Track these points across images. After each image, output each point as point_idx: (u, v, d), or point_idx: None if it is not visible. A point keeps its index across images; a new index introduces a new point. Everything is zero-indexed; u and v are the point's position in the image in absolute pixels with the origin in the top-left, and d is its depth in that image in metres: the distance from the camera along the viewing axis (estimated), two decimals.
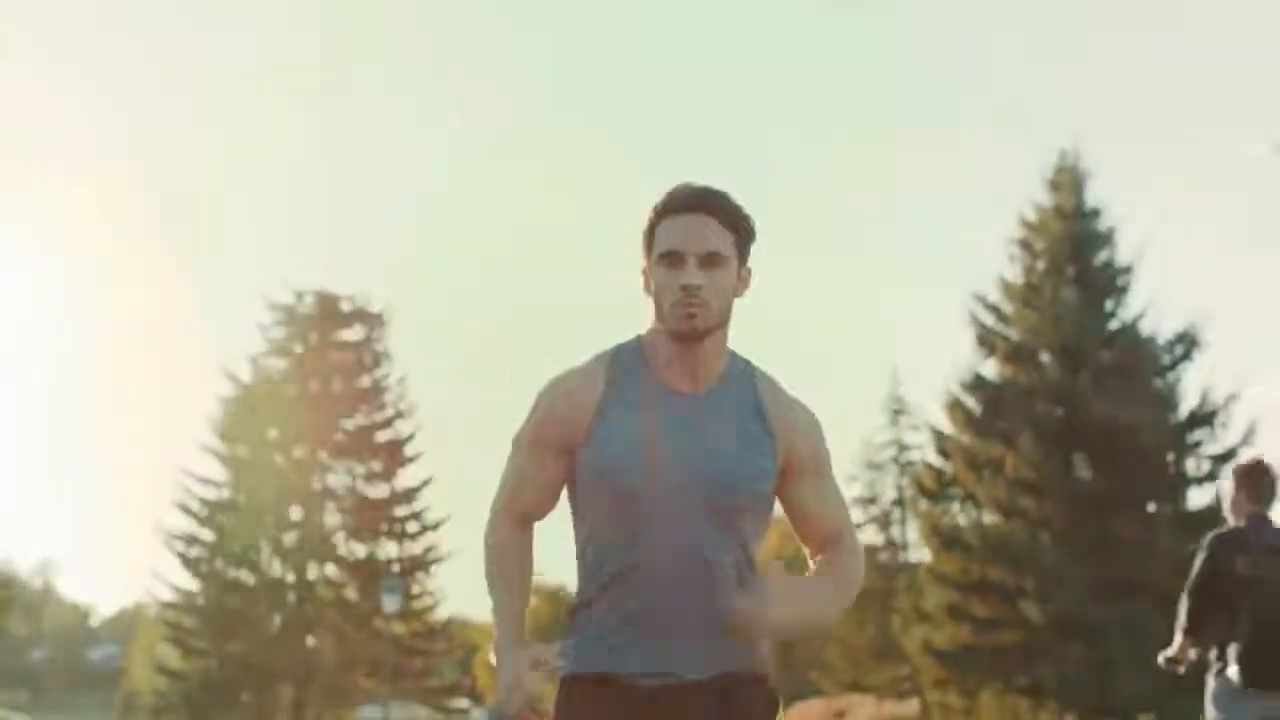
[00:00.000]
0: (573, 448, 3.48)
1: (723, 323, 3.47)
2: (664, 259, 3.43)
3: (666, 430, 3.43)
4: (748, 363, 3.58)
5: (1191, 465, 33.52)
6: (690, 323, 3.40)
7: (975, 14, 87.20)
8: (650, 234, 3.49)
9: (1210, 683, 7.02)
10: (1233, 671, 6.82)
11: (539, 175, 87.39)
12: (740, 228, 3.48)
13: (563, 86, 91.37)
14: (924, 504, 35.88)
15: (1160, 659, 7.30)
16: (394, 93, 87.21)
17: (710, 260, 3.41)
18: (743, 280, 3.51)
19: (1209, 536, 7.05)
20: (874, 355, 75.53)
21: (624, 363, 3.52)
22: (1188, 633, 7.01)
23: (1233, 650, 6.84)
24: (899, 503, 45.33)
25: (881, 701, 44.09)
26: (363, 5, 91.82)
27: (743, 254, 3.50)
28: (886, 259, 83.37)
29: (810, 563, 3.61)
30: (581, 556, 3.52)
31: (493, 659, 3.50)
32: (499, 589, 3.57)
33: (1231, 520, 7.14)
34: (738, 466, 3.42)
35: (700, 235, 3.42)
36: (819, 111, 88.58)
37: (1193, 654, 7.19)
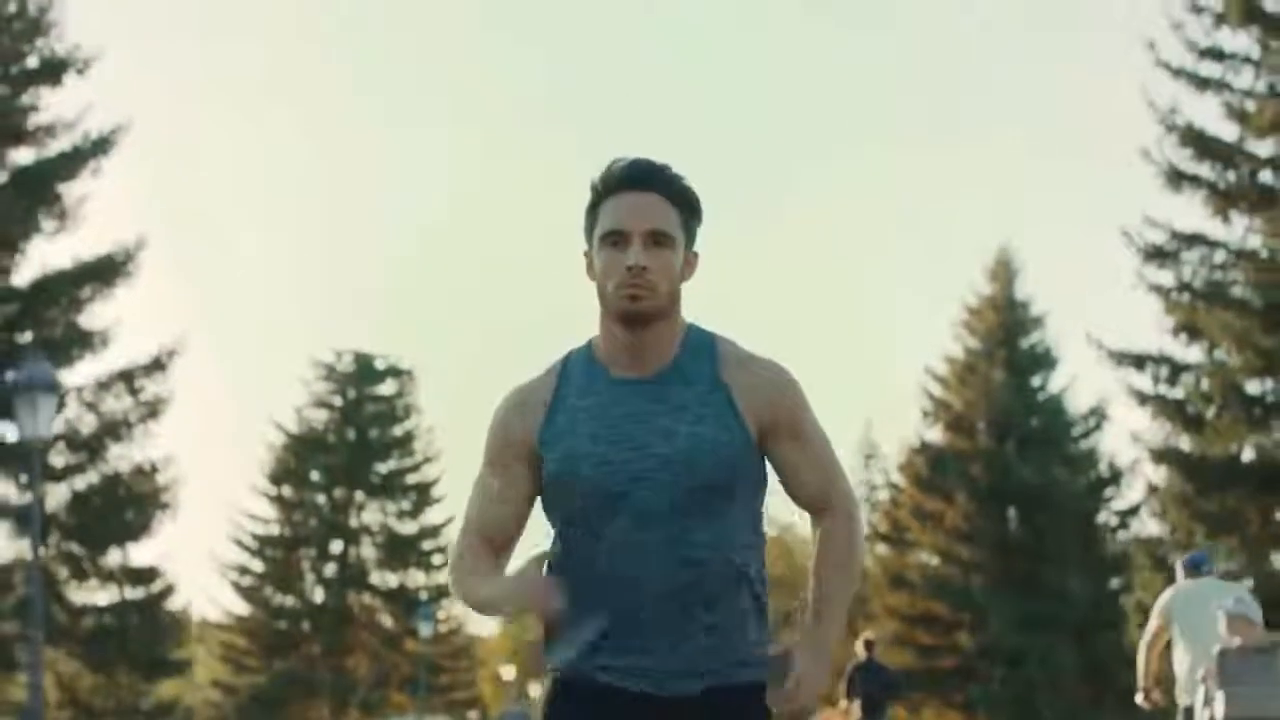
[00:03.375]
0: (529, 455, 3.45)
1: (670, 305, 3.41)
2: (607, 239, 3.38)
3: (617, 420, 3.40)
4: (711, 335, 3.50)
5: (1102, 518, 42.66)
6: (635, 305, 3.35)
7: (973, 26, 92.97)
8: (592, 213, 3.45)
9: None
10: None
11: (559, 235, 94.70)
12: (687, 207, 3.42)
13: (561, 111, 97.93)
14: (880, 547, 45.10)
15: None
16: (424, 167, 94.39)
17: (656, 239, 3.36)
18: (689, 264, 3.46)
19: None
20: (856, 391, 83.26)
21: (573, 363, 3.49)
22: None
23: None
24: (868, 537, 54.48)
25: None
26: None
27: (689, 235, 3.45)
28: (880, 277, 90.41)
29: (811, 530, 3.53)
30: (553, 559, 3.46)
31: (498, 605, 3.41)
32: (473, 580, 3.48)
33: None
34: (695, 443, 3.35)
35: (645, 214, 3.37)
36: (816, 123, 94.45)
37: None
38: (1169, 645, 10.57)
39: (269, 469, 49.24)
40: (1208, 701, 10.01)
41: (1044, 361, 43.30)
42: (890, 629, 42.98)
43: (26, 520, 26.43)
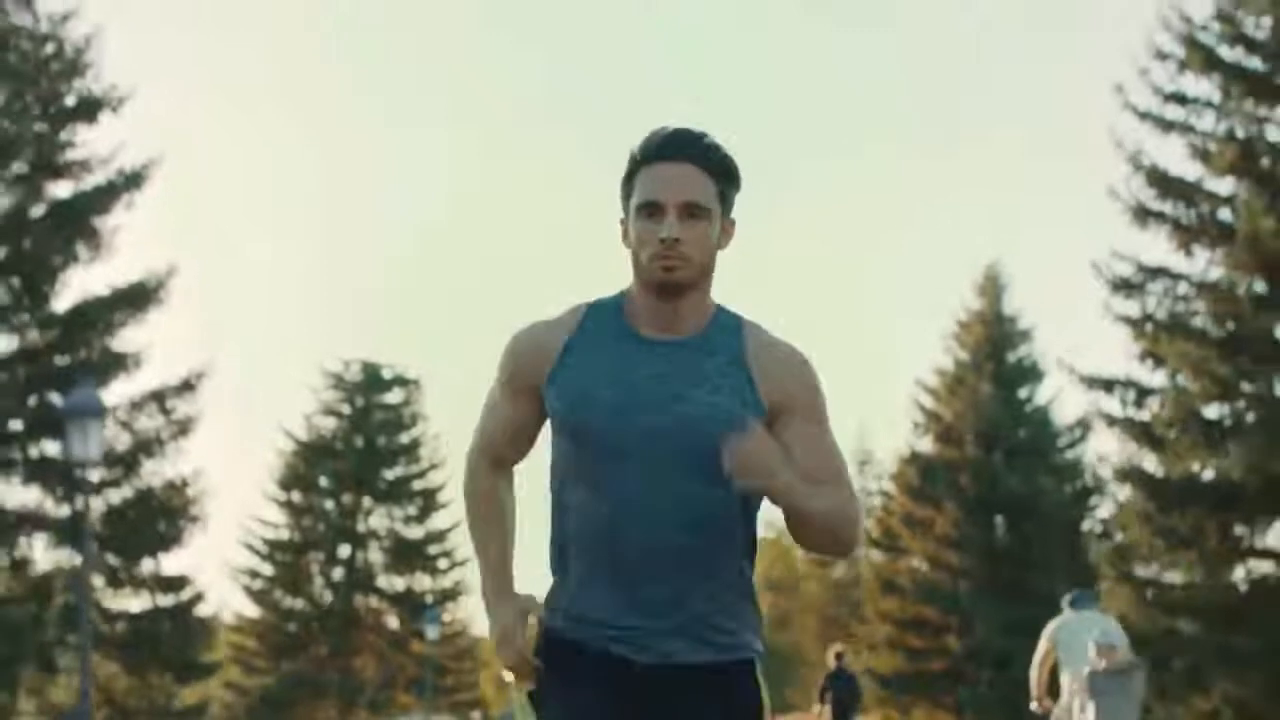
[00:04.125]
0: (532, 394, 3.57)
1: (704, 276, 3.49)
2: (643, 210, 3.45)
3: (635, 376, 3.47)
4: (738, 317, 3.58)
5: (1087, 526, 44.96)
6: (668, 276, 3.43)
7: (973, 26, 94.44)
8: (628, 183, 3.53)
9: None
10: None
11: (567, 246, 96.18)
12: (724, 176, 3.50)
13: (561, 112, 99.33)
14: (873, 553, 47.41)
15: None
16: (434, 178, 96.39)
17: (690, 211, 3.43)
18: (725, 232, 3.54)
19: None
20: (851, 397, 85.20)
21: (600, 311, 3.57)
22: None
23: None
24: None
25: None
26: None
27: (726, 204, 3.52)
28: (878, 282, 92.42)
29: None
30: (552, 504, 3.57)
31: (487, 614, 3.62)
32: (481, 534, 3.69)
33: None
34: (710, 411, 3.43)
35: (681, 185, 3.44)
36: (815, 125, 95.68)
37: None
38: (1055, 663, 13.68)
39: (279, 475, 51.07)
40: (1082, 709, 13.08)
41: (1030, 375, 45.57)
42: (882, 632, 45.26)
43: (66, 532, 28.83)
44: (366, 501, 51.48)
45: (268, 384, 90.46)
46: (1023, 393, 45.60)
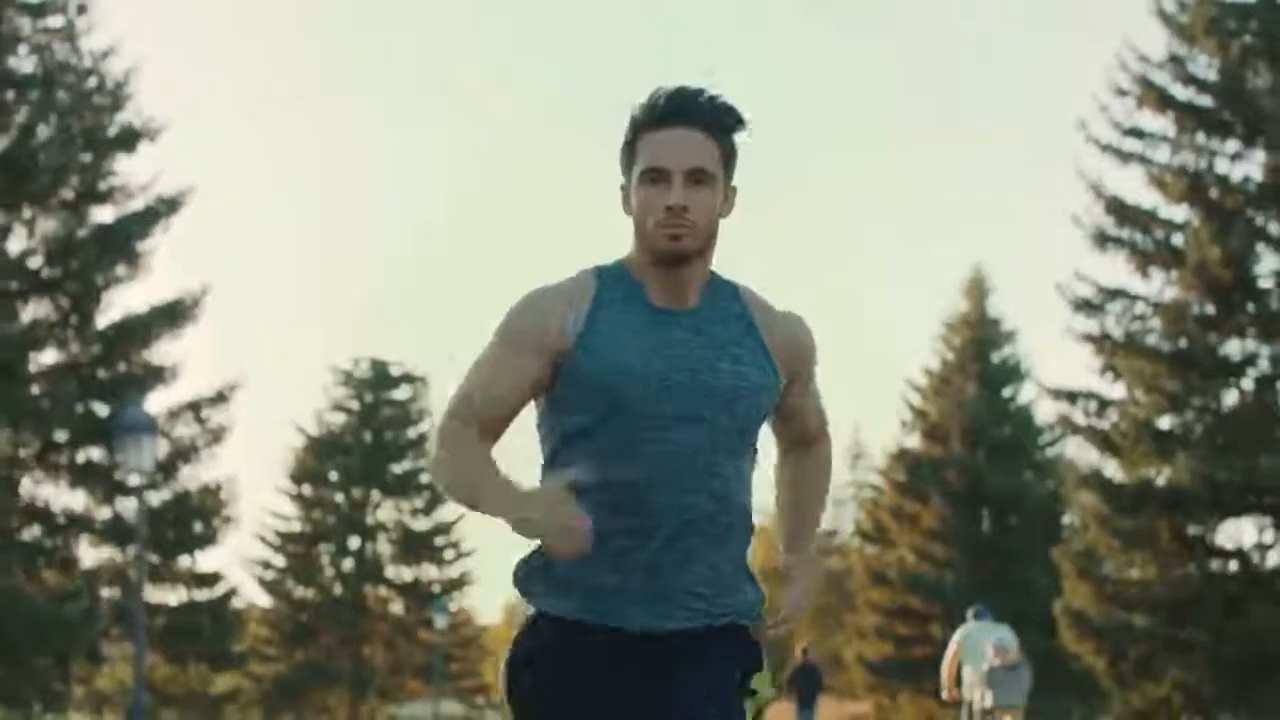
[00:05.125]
0: (556, 353, 3.45)
1: (709, 244, 3.47)
2: (646, 176, 3.42)
3: (665, 343, 3.45)
4: (731, 281, 3.60)
5: (1067, 519, 48.04)
6: (676, 245, 3.41)
7: (972, 26, 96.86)
8: (630, 147, 3.49)
9: None
10: None
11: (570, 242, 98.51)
12: (729, 139, 3.48)
13: (560, 112, 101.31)
14: (864, 546, 50.62)
15: None
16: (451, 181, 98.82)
17: (696, 177, 3.41)
18: (728, 200, 3.51)
19: None
20: (847, 393, 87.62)
21: (611, 278, 3.52)
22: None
23: None
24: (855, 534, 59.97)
25: (841, 702, 58.53)
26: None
27: (729, 169, 3.50)
28: (876, 277, 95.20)
29: (780, 456, 3.78)
30: (555, 471, 3.47)
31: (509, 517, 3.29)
32: (477, 468, 3.43)
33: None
34: (738, 382, 3.46)
35: (685, 150, 3.41)
36: (813, 120, 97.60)
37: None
38: (961, 664, 17.93)
39: (291, 470, 53.50)
40: (983, 697, 17.50)
41: (1014, 375, 48.72)
42: (871, 621, 48.43)
43: (109, 532, 31.98)
44: (375, 495, 53.69)
45: (280, 383, 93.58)
46: (1006, 392, 48.72)
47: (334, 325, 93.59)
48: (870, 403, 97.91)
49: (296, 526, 53.65)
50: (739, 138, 3.54)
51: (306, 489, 54.13)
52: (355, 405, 54.96)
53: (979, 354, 48.35)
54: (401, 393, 55.37)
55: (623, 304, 3.51)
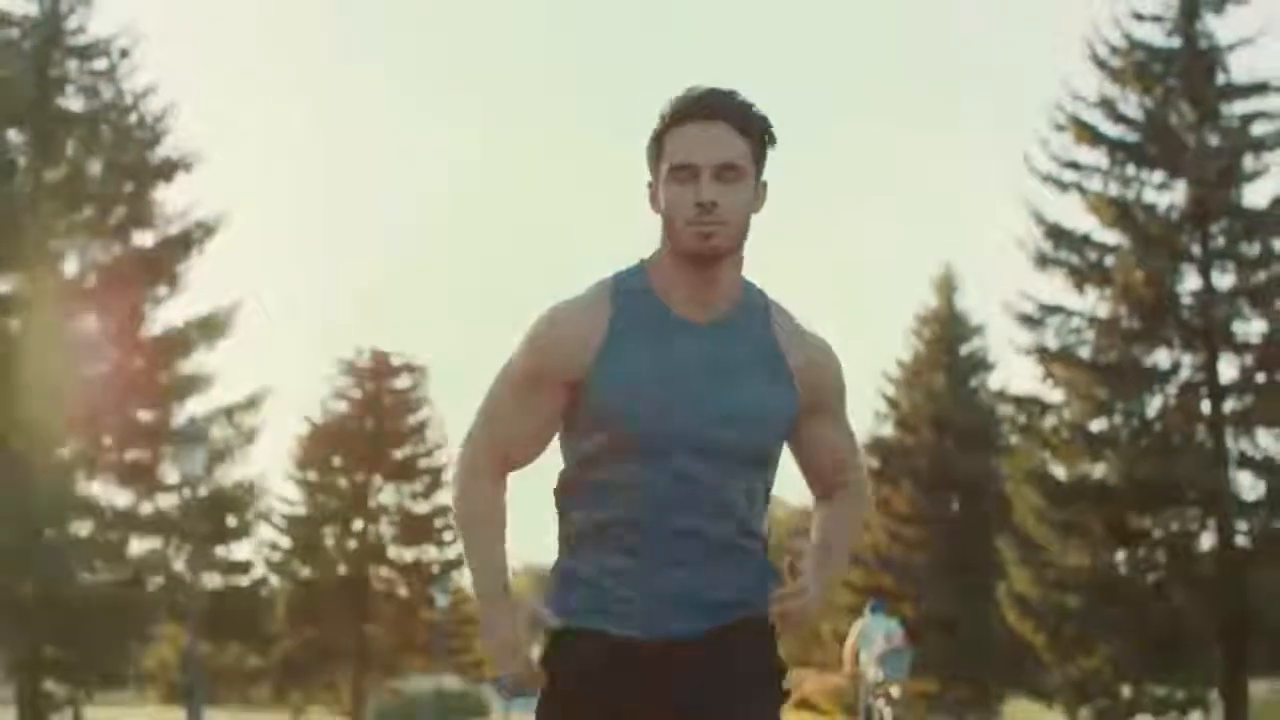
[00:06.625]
0: (572, 384, 3.52)
1: (740, 243, 3.50)
2: (675, 173, 3.45)
3: (680, 367, 3.48)
4: (763, 293, 3.62)
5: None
6: (707, 243, 3.43)
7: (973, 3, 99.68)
8: (658, 144, 3.52)
9: None
10: None
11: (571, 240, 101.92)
12: (757, 135, 3.51)
13: (561, 97, 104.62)
14: None
15: None
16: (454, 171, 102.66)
17: (726, 173, 3.44)
18: (759, 195, 3.53)
19: None
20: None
21: (629, 291, 3.54)
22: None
23: None
24: None
25: (822, 674, 63.20)
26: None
27: (759, 165, 3.53)
28: (866, 263, 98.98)
29: (814, 504, 3.81)
30: (570, 496, 3.59)
31: (481, 620, 3.59)
32: (479, 535, 3.61)
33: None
34: (758, 405, 3.51)
35: (715, 145, 3.44)
36: (815, 97, 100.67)
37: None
38: (859, 649, 23.09)
39: (296, 456, 56.92)
40: (875, 674, 22.82)
41: (980, 366, 53.69)
42: (846, 600, 53.39)
43: (153, 525, 36.85)
44: (377, 479, 56.71)
45: (300, 382, 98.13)
46: (973, 382, 53.70)
47: (339, 317, 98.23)
48: (856, 388, 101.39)
49: (302, 510, 56.78)
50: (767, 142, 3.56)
51: (311, 474, 57.20)
52: (358, 394, 58.07)
53: (948, 347, 53.26)
54: (402, 381, 58.55)
55: (640, 327, 3.53)
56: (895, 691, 22.79)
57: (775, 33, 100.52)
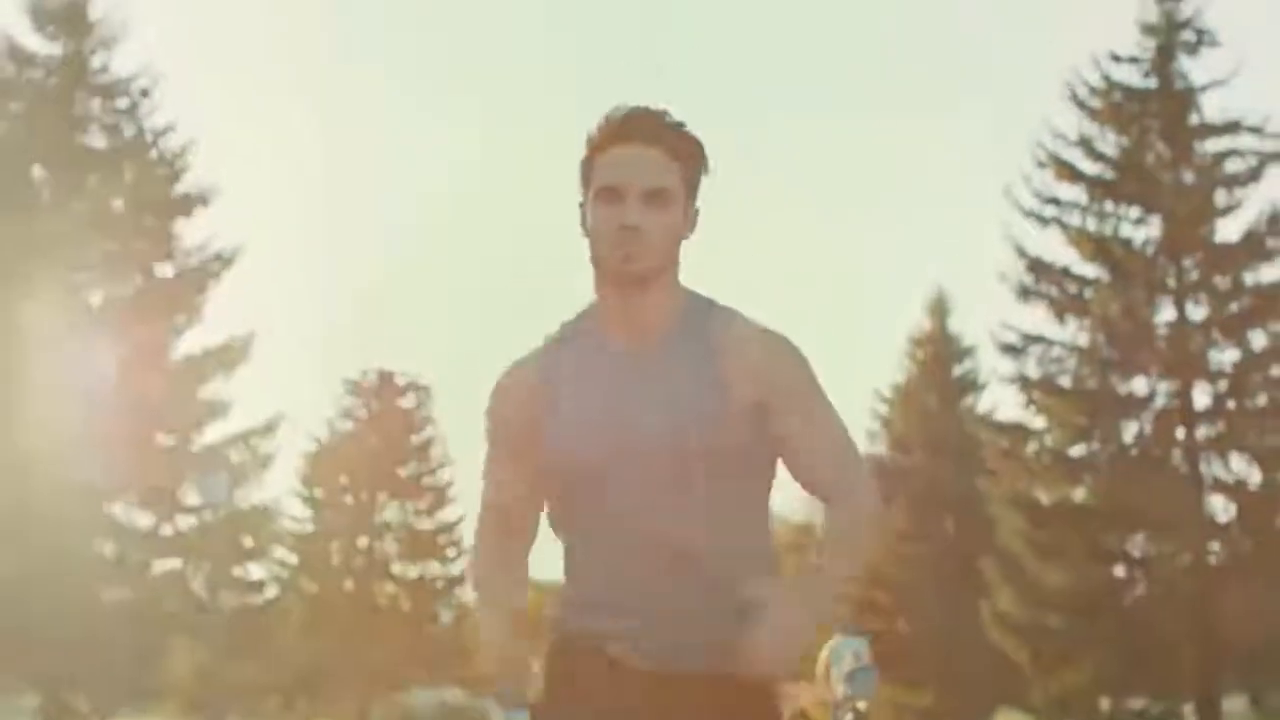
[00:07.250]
0: (533, 439, 3.58)
1: (667, 266, 3.49)
2: (601, 195, 3.45)
3: (610, 398, 3.51)
4: (710, 302, 3.58)
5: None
6: (628, 266, 3.43)
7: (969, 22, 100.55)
8: (588, 164, 3.50)
9: None
10: None
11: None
12: (688, 159, 3.48)
13: (556, 93, 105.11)
14: None
15: None
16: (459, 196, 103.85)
17: (653, 197, 3.42)
18: (689, 220, 3.52)
19: None
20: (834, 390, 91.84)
21: (572, 334, 3.58)
22: None
23: None
24: None
25: (817, 686, 65.12)
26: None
27: (691, 189, 3.51)
28: (865, 272, 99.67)
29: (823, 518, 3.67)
30: (559, 531, 3.66)
31: (481, 634, 3.68)
32: (486, 593, 3.69)
33: None
34: (675, 418, 3.45)
35: (644, 169, 3.43)
36: (814, 89, 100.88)
37: None
38: (830, 666, 24.77)
39: (304, 474, 58.44)
40: (843, 691, 24.24)
41: (972, 388, 55.70)
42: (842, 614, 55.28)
43: (172, 546, 38.81)
44: (382, 497, 58.39)
45: (299, 396, 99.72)
46: (965, 403, 55.72)
47: (344, 335, 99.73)
48: (855, 402, 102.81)
49: (309, 527, 58.35)
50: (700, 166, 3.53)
51: (318, 492, 58.83)
52: (363, 413, 59.74)
53: (941, 368, 55.29)
54: (407, 401, 60.15)
55: (576, 369, 3.56)
56: (863, 706, 24.72)
57: (775, 33, 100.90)
